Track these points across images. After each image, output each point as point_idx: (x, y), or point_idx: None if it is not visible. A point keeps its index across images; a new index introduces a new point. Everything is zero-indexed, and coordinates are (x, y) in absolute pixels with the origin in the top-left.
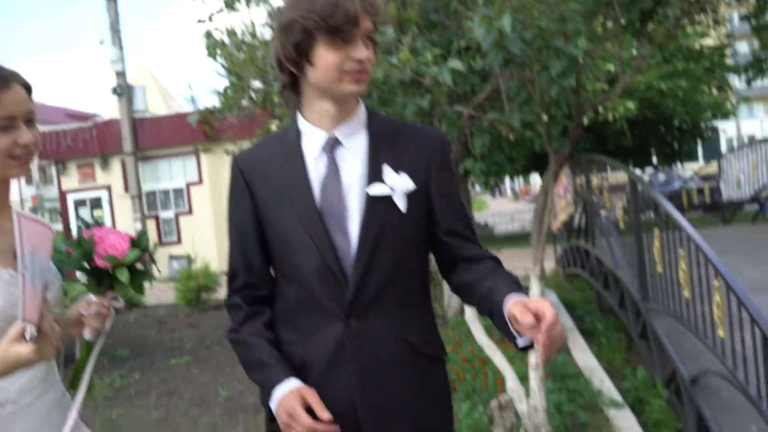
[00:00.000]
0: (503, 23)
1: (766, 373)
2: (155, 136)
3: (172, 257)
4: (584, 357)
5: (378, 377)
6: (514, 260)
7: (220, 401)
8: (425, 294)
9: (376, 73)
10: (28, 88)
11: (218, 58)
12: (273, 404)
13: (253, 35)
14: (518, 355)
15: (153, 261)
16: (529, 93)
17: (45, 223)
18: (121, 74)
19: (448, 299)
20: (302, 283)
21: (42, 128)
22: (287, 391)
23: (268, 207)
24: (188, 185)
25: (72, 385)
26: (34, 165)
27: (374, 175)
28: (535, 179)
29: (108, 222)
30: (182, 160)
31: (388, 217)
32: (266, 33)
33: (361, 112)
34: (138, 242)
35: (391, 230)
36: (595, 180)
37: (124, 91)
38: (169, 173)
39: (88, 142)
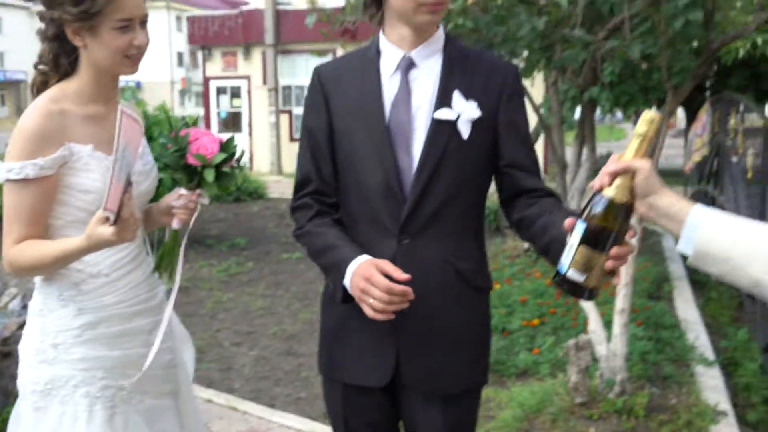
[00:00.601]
0: None
1: None
2: (295, 30)
3: None
4: (686, 309)
5: (422, 297)
6: None
7: (320, 299)
8: (479, 224)
9: None
10: None
11: None
12: (347, 278)
13: None
14: (607, 299)
15: (241, 168)
16: (653, 23)
17: (140, 123)
18: None
19: None
20: (363, 198)
21: (192, 13)
22: (362, 262)
23: (341, 119)
24: None
25: (157, 267)
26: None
27: (443, 99)
28: (680, 113)
29: (245, 112)
30: (320, 58)
31: (451, 142)
32: None
33: (440, 36)
34: (226, 147)
35: (453, 155)
36: (732, 121)
37: None
38: (306, 69)
39: (233, 30)
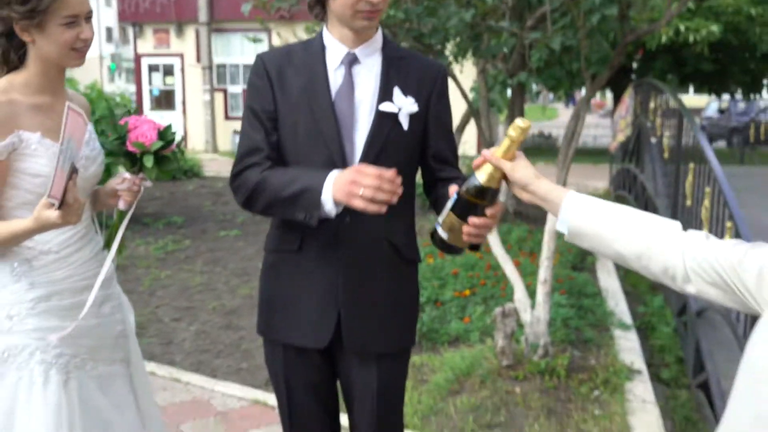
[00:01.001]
0: None
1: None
2: (230, 8)
3: (235, 132)
4: (608, 279)
5: (362, 268)
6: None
7: (258, 275)
8: (411, 204)
9: None
10: None
11: None
12: (326, 188)
13: None
14: (533, 270)
15: (181, 151)
16: (572, 18)
17: (84, 117)
18: None
19: None
20: None
21: None
22: (340, 171)
23: (287, 105)
24: None
25: (106, 244)
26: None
27: (385, 94)
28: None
29: (178, 90)
30: (255, 36)
31: (392, 133)
32: None
33: (378, 37)
34: (164, 134)
35: (393, 144)
36: (652, 105)
37: None
38: (241, 48)
39: (165, 7)
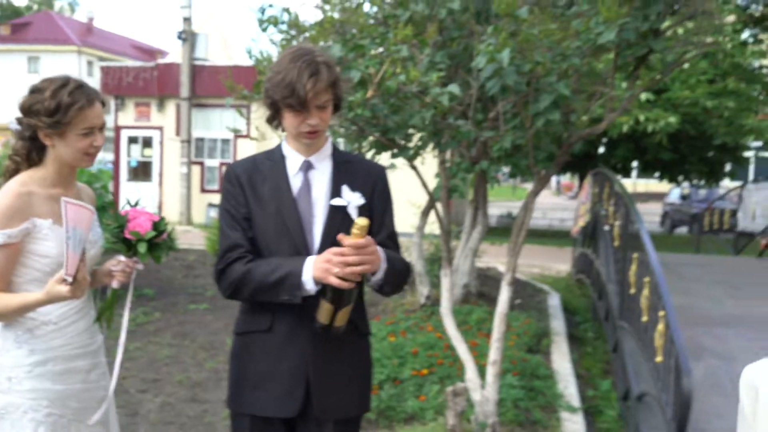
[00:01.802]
0: (502, 56)
1: (676, 400)
2: (211, 85)
3: (210, 205)
4: (561, 362)
5: (326, 343)
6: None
7: (225, 350)
8: (361, 285)
9: (390, 84)
10: (103, 104)
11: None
12: (307, 271)
13: (296, 24)
14: (485, 351)
15: (172, 240)
16: (522, 120)
17: (88, 207)
18: (187, 20)
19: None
20: None
21: (106, 63)
22: (317, 256)
23: (257, 205)
24: (236, 137)
25: (98, 318)
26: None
27: (335, 191)
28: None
29: (156, 162)
30: (234, 112)
31: (344, 223)
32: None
33: (328, 146)
34: (158, 225)
35: (345, 232)
36: (606, 193)
37: (188, 37)
38: (220, 122)
39: (148, 82)
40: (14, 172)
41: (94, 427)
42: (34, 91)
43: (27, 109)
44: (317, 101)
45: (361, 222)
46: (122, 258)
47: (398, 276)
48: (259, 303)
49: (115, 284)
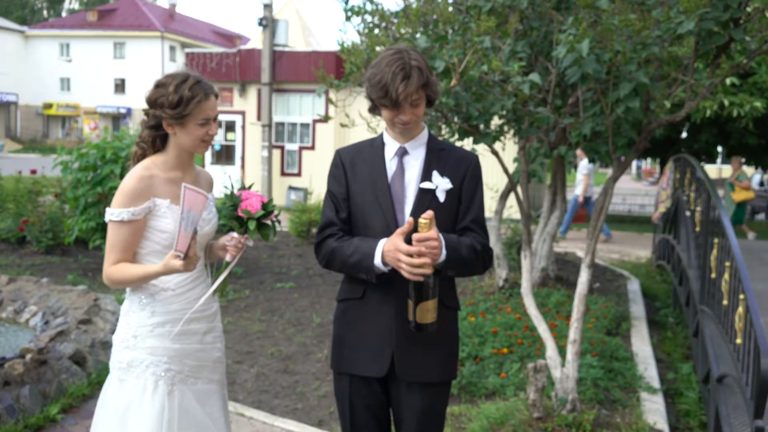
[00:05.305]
0: (582, 46)
1: (755, 380)
2: (291, 70)
3: (290, 188)
4: (641, 345)
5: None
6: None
7: (312, 326)
8: (437, 275)
9: (472, 73)
10: (217, 96)
11: (354, 25)
12: (378, 256)
13: (379, 13)
14: (564, 332)
15: (278, 221)
16: (601, 107)
17: (203, 193)
18: (267, 6)
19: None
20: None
21: (190, 49)
22: (385, 242)
23: (356, 185)
24: (315, 121)
25: (215, 291)
26: None
27: (426, 175)
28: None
29: (238, 146)
30: (312, 97)
31: (431, 205)
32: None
33: (425, 134)
34: (266, 206)
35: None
36: (687, 178)
37: (269, 24)
38: (299, 108)
39: (230, 68)
40: (141, 156)
41: (211, 384)
42: (159, 86)
43: (152, 102)
44: (408, 101)
45: (426, 216)
46: (235, 234)
47: (462, 263)
48: None
49: (228, 257)
